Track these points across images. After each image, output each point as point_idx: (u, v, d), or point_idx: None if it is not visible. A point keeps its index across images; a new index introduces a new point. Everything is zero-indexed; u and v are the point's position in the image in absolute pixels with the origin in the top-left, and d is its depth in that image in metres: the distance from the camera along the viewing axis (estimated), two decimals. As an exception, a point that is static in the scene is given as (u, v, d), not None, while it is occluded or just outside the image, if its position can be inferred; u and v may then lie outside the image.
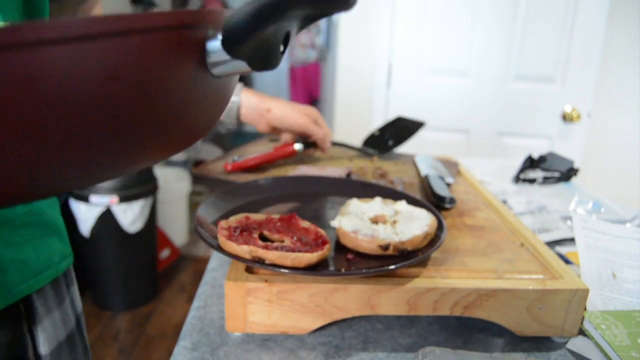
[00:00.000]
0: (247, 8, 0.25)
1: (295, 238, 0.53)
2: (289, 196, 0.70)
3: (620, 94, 1.88)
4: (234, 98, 0.87)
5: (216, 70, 0.28)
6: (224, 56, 0.27)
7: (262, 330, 0.50)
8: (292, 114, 0.89)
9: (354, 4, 0.29)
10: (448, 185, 0.83)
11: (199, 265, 2.49)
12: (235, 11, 0.26)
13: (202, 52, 0.27)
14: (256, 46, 0.27)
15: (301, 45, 4.11)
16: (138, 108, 0.24)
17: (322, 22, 3.18)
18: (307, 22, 0.31)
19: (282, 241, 0.53)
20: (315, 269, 0.49)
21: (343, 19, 1.94)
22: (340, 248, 0.55)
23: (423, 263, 0.54)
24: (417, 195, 0.78)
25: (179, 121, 0.28)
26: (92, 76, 0.21)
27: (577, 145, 1.93)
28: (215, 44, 0.27)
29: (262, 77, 5.39)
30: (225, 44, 0.26)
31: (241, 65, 0.28)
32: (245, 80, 5.08)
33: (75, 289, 0.62)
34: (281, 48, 0.30)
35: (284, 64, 5.05)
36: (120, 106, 0.23)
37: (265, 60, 0.29)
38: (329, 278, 0.49)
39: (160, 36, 0.23)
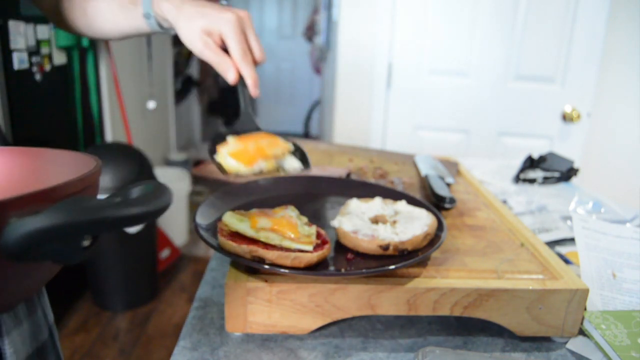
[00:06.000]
0: (24, 228, 0.23)
1: (295, 238, 0.53)
2: (289, 196, 0.70)
3: (620, 94, 1.88)
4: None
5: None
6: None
7: (262, 330, 0.50)
8: (188, 34, 0.58)
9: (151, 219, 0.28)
10: (448, 185, 0.83)
11: (199, 265, 2.49)
12: (15, 224, 0.23)
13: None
14: (45, 252, 0.25)
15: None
16: None
17: (322, 22, 3.18)
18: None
19: (282, 241, 0.53)
20: (315, 269, 0.49)
21: (343, 19, 1.94)
22: (340, 248, 0.55)
23: (423, 263, 0.54)
24: (417, 195, 0.78)
25: None
26: None
27: (577, 145, 1.93)
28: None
29: (262, 72, 5.39)
30: (6, 255, 0.24)
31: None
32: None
33: (45, 299, 0.59)
34: (87, 243, 0.28)
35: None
36: None
37: (62, 258, 0.26)
38: (328, 278, 0.49)
39: None
